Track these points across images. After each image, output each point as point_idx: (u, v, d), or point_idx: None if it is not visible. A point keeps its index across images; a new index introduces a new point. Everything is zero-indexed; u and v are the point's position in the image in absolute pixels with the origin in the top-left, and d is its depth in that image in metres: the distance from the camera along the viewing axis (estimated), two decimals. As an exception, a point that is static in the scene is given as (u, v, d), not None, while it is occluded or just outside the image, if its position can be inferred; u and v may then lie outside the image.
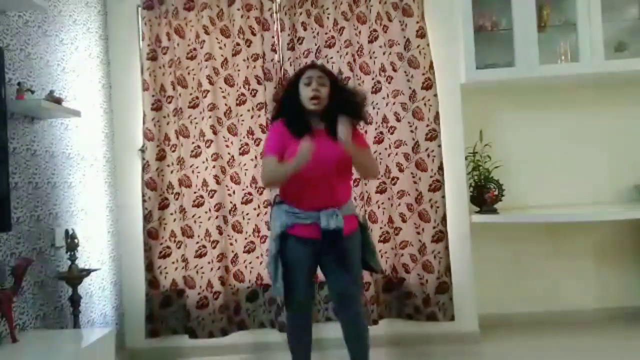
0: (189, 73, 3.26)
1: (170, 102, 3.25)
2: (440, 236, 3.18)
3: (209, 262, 3.21)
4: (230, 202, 3.26)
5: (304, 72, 2.44)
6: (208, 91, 3.23)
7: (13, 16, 2.39)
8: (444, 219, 3.19)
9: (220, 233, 3.22)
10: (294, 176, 2.31)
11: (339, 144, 2.30)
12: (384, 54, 3.23)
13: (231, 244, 3.26)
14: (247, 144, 3.26)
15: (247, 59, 3.27)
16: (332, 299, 2.59)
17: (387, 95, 3.23)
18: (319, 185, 2.37)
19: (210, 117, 3.23)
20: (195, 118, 3.26)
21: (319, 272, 2.58)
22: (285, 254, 2.41)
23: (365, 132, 3.22)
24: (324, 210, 2.34)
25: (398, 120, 3.22)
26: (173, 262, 3.26)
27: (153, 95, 3.23)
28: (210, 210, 3.22)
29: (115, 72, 3.35)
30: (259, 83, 3.26)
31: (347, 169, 2.46)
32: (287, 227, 2.40)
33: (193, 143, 3.25)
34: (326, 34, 3.25)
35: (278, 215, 2.45)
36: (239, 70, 3.26)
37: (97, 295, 3.02)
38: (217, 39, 3.26)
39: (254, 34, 3.27)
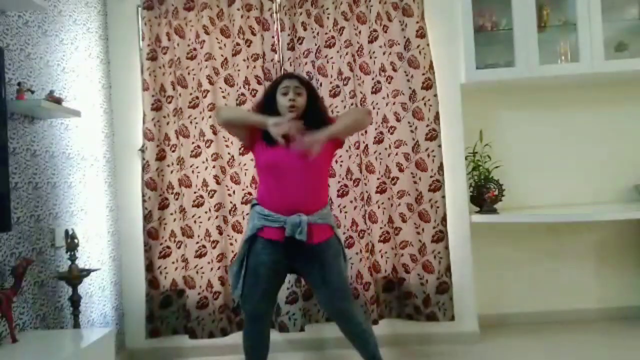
0: (189, 73, 3.26)
1: (170, 102, 3.25)
2: (440, 236, 3.18)
3: (209, 262, 3.21)
4: (230, 202, 3.26)
5: (281, 82, 2.46)
6: (208, 91, 3.23)
7: (13, 16, 2.39)
8: (444, 219, 3.19)
9: (220, 233, 3.22)
10: (268, 178, 2.40)
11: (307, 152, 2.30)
12: (384, 54, 3.23)
13: (231, 244, 3.26)
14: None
15: (247, 59, 3.27)
16: (327, 313, 2.56)
17: (387, 95, 3.23)
18: (290, 189, 2.36)
19: (210, 117, 3.23)
20: (195, 118, 3.26)
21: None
22: (249, 258, 2.41)
23: (366, 132, 3.23)
24: (292, 215, 2.33)
25: (398, 120, 3.22)
26: (173, 262, 3.26)
27: (153, 95, 3.23)
28: (210, 210, 3.22)
29: (115, 72, 3.35)
30: (259, 83, 3.26)
31: (318, 177, 2.43)
32: (257, 229, 2.40)
33: (193, 143, 3.25)
34: (326, 34, 3.25)
35: (251, 217, 2.47)
36: (239, 70, 3.27)
37: (97, 295, 3.02)
38: (217, 39, 3.26)
39: (254, 34, 3.27)
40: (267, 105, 2.47)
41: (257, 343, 2.54)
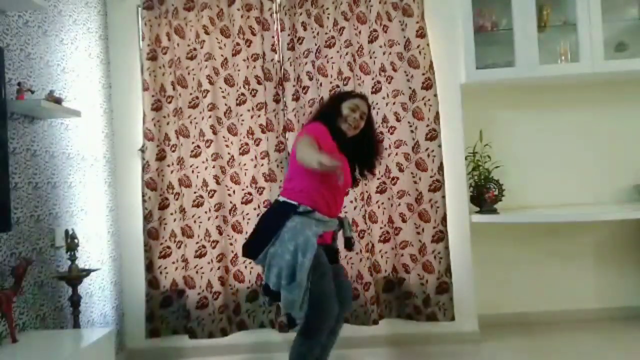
0: (189, 73, 3.26)
1: (170, 102, 3.25)
2: (440, 236, 3.18)
3: (208, 262, 3.21)
4: (230, 202, 3.26)
5: (353, 97, 2.51)
6: (208, 91, 3.23)
7: (13, 16, 2.39)
8: (444, 219, 3.19)
9: (220, 233, 3.22)
10: (329, 184, 2.34)
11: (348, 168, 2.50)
12: (384, 54, 3.23)
13: (231, 244, 3.26)
14: (247, 144, 3.26)
15: (247, 59, 3.27)
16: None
17: (387, 95, 3.23)
18: (340, 197, 2.51)
19: (210, 117, 3.23)
20: (195, 118, 3.26)
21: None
22: (320, 265, 2.28)
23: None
24: (338, 219, 2.51)
25: (398, 120, 3.22)
26: (173, 262, 3.26)
27: (153, 95, 3.23)
28: (210, 210, 3.22)
29: (115, 72, 3.35)
30: (259, 83, 3.26)
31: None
32: (317, 236, 2.29)
33: (193, 143, 3.25)
34: (326, 34, 3.25)
35: (308, 224, 2.28)
36: (239, 70, 3.26)
37: (97, 295, 3.02)
38: (217, 39, 3.26)
39: (254, 34, 3.27)
40: (331, 111, 2.49)
41: (327, 344, 2.53)
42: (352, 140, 2.49)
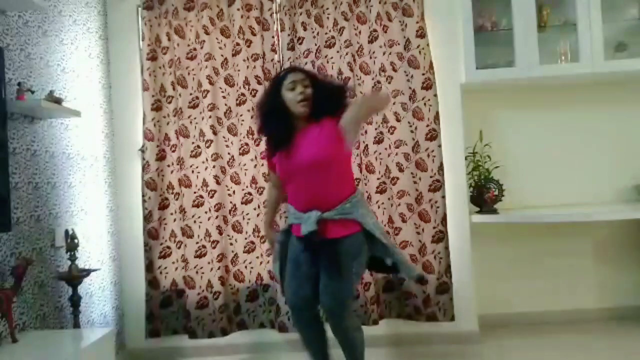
0: (189, 73, 3.26)
1: (170, 102, 3.25)
2: (440, 236, 3.18)
3: (209, 262, 3.21)
4: (230, 202, 3.26)
5: (285, 78, 2.40)
6: (208, 91, 3.23)
7: (13, 16, 2.39)
8: (444, 219, 3.19)
9: (220, 233, 3.22)
10: (288, 184, 2.45)
11: (318, 144, 2.33)
12: (384, 54, 3.22)
13: (231, 244, 3.26)
14: (247, 144, 3.26)
15: (247, 59, 3.27)
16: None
17: (390, 94, 3.23)
18: (303, 186, 2.38)
19: (210, 117, 3.23)
20: (195, 118, 3.26)
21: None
22: (289, 251, 2.50)
23: (366, 132, 3.22)
24: (308, 212, 2.34)
25: (398, 120, 3.22)
26: (173, 262, 3.26)
27: (153, 95, 3.23)
28: (210, 210, 3.22)
29: (115, 72, 3.35)
30: (259, 83, 3.26)
31: (328, 169, 2.35)
32: (289, 225, 2.51)
33: (193, 143, 3.25)
34: (326, 34, 3.25)
35: (288, 216, 2.56)
36: (239, 70, 3.26)
37: (97, 295, 3.02)
38: (217, 39, 3.26)
39: (254, 34, 3.27)
40: (271, 104, 2.43)
41: (308, 335, 2.50)
42: (317, 106, 2.38)
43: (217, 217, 3.21)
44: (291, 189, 2.46)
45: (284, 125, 2.40)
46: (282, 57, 3.28)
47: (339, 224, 2.35)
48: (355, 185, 2.51)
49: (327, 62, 3.23)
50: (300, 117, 2.40)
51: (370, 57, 3.25)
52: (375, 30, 3.23)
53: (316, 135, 2.36)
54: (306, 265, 2.43)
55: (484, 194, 3.28)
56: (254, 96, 3.25)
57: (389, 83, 3.23)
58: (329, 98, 2.40)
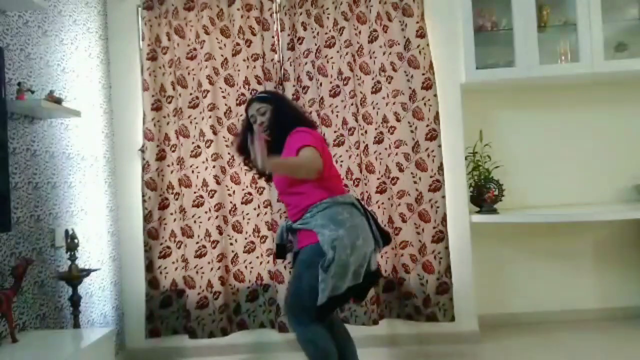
0: (189, 73, 3.26)
1: (170, 102, 3.25)
2: (440, 236, 3.18)
3: (209, 262, 3.21)
4: (230, 202, 3.26)
5: (247, 114, 2.48)
6: (208, 91, 3.23)
7: (13, 16, 2.39)
8: (444, 219, 3.19)
9: (220, 233, 3.22)
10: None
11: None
12: (384, 54, 3.23)
13: (231, 244, 3.26)
14: (247, 144, 3.26)
15: (247, 59, 3.27)
16: None
17: (387, 95, 3.23)
18: (282, 200, 2.51)
19: (210, 117, 3.23)
20: (195, 118, 3.26)
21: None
22: None
23: (366, 132, 3.22)
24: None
25: (398, 120, 3.22)
26: (173, 262, 3.26)
27: (153, 95, 3.23)
28: (210, 210, 3.22)
29: (115, 72, 3.35)
30: (259, 83, 3.26)
31: (287, 187, 2.37)
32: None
33: (193, 143, 3.25)
34: (326, 34, 3.25)
35: None
36: (239, 70, 3.27)
37: (97, 295, 3.02)
38: (217, 39, 3.26)
39: (254, 34, 3.27)
40: (247, 138, 2.42)
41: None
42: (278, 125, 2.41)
43: (217, 217, 3.21)
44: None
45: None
46: (282, 57, 3.29)
47: (304, 235, 2.33)
48: (328, 195, 2.31)
49: (327, 62, 3.24)
50: None
51: (370, 57, 3.25)
52: (375, 30, 3.23)
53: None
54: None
55: (484, 194, 3.28)
56: (254, 96, 3.25)
57: (389, 83, 3.23)
58: (282, 122, 2.40)
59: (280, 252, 2.49)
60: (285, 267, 3.16)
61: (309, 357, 2.31)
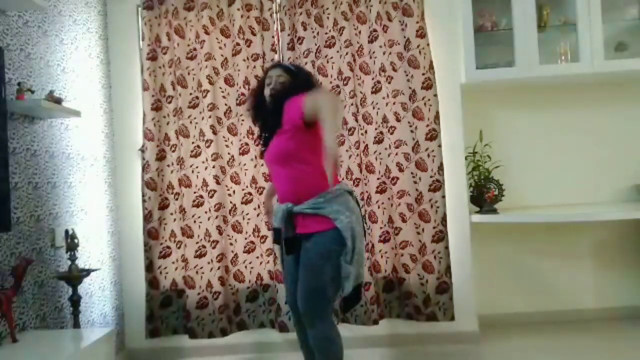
0: (189, 73, 3.26)
1: (170, 102, 3.25)
2: (440, 236, 3.18)
3: (209, 262, 3.21)
4: (230, 202, 3.26)
5: (266, 75, 2.39)
6: (208, 91, 3.23)
7: (13, 16, 2.39)
8: (444, 219, 3.19)
9: (220, 233, 3.22)
10: (268, 169, 2.40)
11: (277, 138, 2.25)
12: (384, 54, 3.23)
13: (231, 244, 3.26)
14: (247, 144, 3.26)
15: (247, 59, 3.27)
16: None
17: (387, 95, 3.23)
18: (276, 181, 2.32)
19: (210, 117, 3.23)
20: (195, 118, 3.26)
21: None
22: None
23: (366, 132, 3.23)
24: (280, 206, 2.27)
25: (398, 120, 3.22)
26: (173, 262, 3.26)
27: (153, 95, 3.23)
28: (210, 210, 3.22)
29: (115, 72, 3.35)
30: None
31: (288, 160, 2.24)
32: (276, 225, 2.36)
33: (193, 143, 3.25)
34: (326, 34, 3.25)
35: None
36: (239, 70, 3.27)
37: (97, 295, 3.02)
38: (217, 39, 3.26)
39: (254, 34, 3.27)
40: (257, 98, 2.40)
41: (300, 336, 2.37)
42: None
43: (217, 217, 3.21)
44: (271, 179, 2.43)
45: (263, 117, 2.37)
46: (282, 57, 3.28)
47: (308, 219, 2.21)
48: (336, 182, 2.23)
49: (327, 62, 3.24)
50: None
51: (370, 57, 3.25)
52: (375, 30, 3.23)
53: (283, 126, 2.24)
54: (288, 264, 2.34)
55: (484, 194, 3.28)
56: (254, 96, 3.25)
57: (389, 83, 3.23)
58: (296, 88, 2.27)
59: (279, 236, 2.30)
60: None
61: (325, 356, 2.17)
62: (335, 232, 2.16)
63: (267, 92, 2.34)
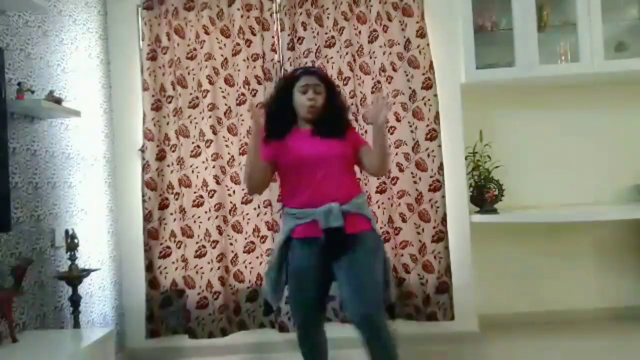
0: (189, 73, 3.26)
1: (170, 102, 3.25)
2: (440, 236, 3.18)
3: (208, 262, 3.21)
4: (230, 202, 3.26)
5: (299, 79, 2.31)
6: (208, 91, 3.23)
7: (13, 16, 2.39)
8: (444, 219, 3.19)
9: (220, 233, 3.22)
10: (292, 176, 2.29)
11: (329, 141, 2.27)
12: (384, 54, 3.22)
13: (231, 244, 3.26)
14: (247, 144, 3.25)
15: (247, 59, 3.27)
16: (351, 320, 2.23)
17: (387, 95, 3.22)
18: (314, 181, 2.23)
19: (210, 117, 3.23)
20: (195, 118, 3.26)
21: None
22: (290, 264, 2.30)
23: (365, 131, 3.22)
24: (323, 207, 2.18)
25: (398, 120, 3.22)
26: (173, 262, 3.26)
27: (153, 95, 3.23)
28: (210, 210, 3.22)
29: (115, 72, 3.35)
30: (259, 83, 3.26)
31: (344, 164, 2.30)
32: (291, 230, 2.29)
33: (193, 143, 3.25)
34: (326, 34, 3.25)
35: (285, 221, 2.36)
36: (239, 70, 3.27)
37: (97, 295, 3.02)
38: (217, 39, 3.26)
39: (254, 34, 3.27)
40: (281, 101, 2.34)
41: (312, 350, 2.37)
42: (324, 116, 2.32)
43: (217, 217, 3.21)
44: (296, 181, 2.27)
45: (286, 119, 2.35)
46: (282, 57, 3.29)
47: (354, 219, 2.22)
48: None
49: (327, 62, 3.24)
50: (302, 119, 2.35)
51: (370, 57, 3.25)
52: (375, 30, 3.23)
53: (345, 138, 2.33)
54: (311, 287, 2.26)
55: (484, 194, 3.28)
56: (254, 96, 3.25)
57: (389, 83, 3.23)
58: (334, 118, 2.34)
59: (333, 237, 2.16)
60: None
61: (396, 354, 2.17)
62: (375, 232, 2.31)
63: (303, 100, 2.28)
